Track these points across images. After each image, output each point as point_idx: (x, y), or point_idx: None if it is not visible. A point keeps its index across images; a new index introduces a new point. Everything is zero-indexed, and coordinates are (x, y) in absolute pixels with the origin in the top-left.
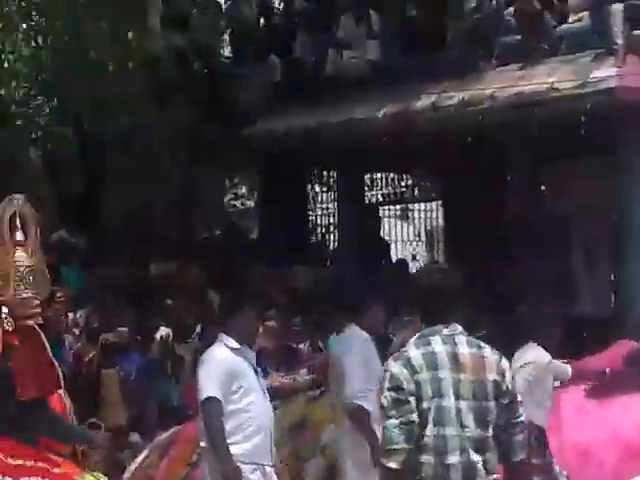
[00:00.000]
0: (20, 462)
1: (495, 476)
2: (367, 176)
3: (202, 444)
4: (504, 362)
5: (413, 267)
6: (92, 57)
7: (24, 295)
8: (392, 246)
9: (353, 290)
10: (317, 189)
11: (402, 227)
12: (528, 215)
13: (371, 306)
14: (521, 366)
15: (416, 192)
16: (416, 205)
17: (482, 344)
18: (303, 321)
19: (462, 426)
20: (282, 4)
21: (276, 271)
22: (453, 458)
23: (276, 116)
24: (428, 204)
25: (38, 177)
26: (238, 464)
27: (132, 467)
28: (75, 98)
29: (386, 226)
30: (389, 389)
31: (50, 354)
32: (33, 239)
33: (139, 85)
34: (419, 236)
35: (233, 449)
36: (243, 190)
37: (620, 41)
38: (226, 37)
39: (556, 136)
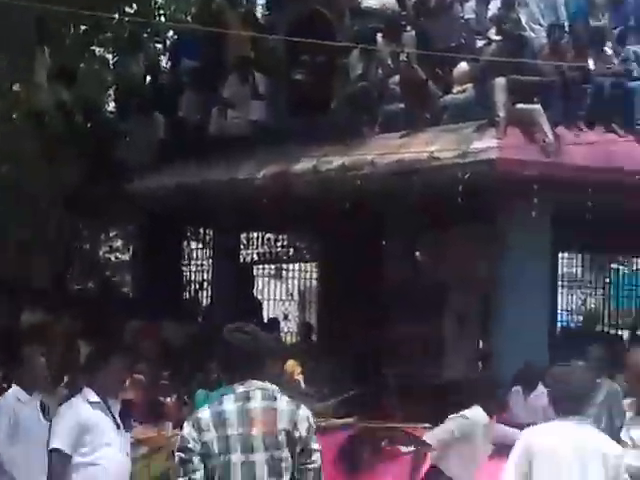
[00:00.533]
0: None
1: None
2: (243, 235)
3: None
4: (301, 412)
5: (284, 326)
6: None
7: None
8: (265, 304)
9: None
10: (193, 246)
11: (275, 286)
12: (403, 281)
13: None
14: (450, 418)
15: (291, 252)
16: (290, 265)
17: (279, 396)
18: (172, 375)
19: (255, 478)
20: (169, 62)
21: (148, 325)
22: None
23: (158, 173)
24: (303, 264)
25: None
26: None
27: None
28: None
29: (260, 284)
30: (178, 450)
31: None
32: None
33: (23, 138)
34: (292, 295)
35: None
36: (118, 243)
37: (502, 113)
38: (111, 92)
39: (435, 205)
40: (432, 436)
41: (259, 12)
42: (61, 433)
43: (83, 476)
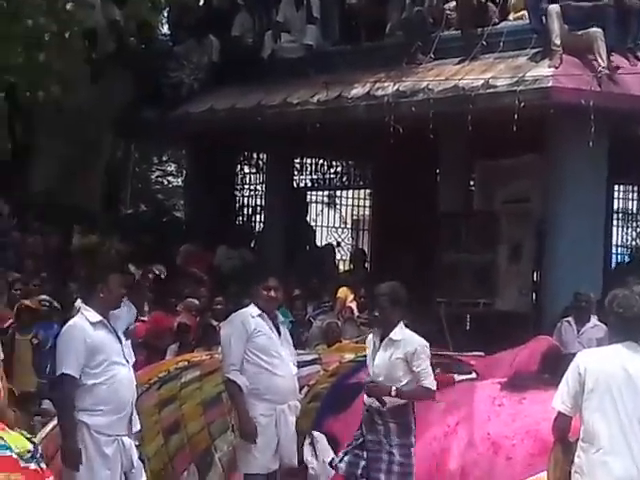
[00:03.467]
0: None
1: None
2: (297, 160)
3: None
4: None
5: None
6: (27, 25)
7: None
8: (317, 231)
9: (273, 271)
10: (246, 170)
11: (329, 213)
12: (456, 209)
13: (262, 284)
14: None
15: (344, 179)
16: (344, 192)
17: None
18: (224, 300)
19: None
20: None
21: (200, 250)
22: None
23: (211, 96)
24: (356, 192)
25: None
26: (95, 435)
27: (42, 434)
28: (8, 66)
29: (313, 211)
30: None
31: None
32: None
33: (74, 57)
34: (345, 223)
35: (90, 420)
36: (172, 167)
37: (557, 41)
38: (164, 14)
39: (489, 133)
40: None
41: None
42: (69, 357)
43: (95, 396)
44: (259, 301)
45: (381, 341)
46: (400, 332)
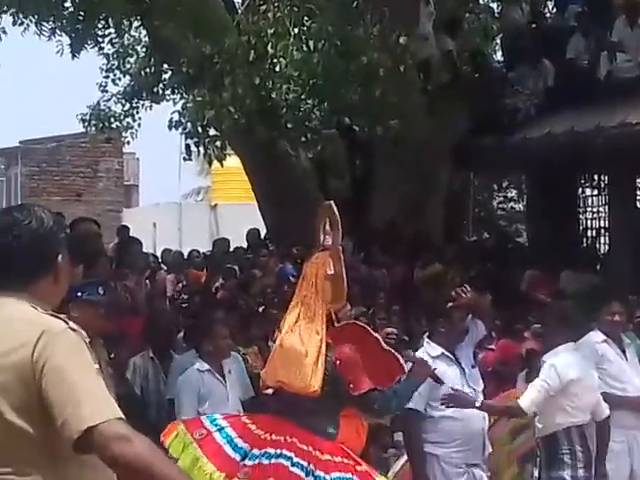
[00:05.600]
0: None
1: None
2: (639, 180)
3: None
4: None
5: None
6: (362, 62)
7: None
8: None
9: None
10: (588, 192)
11: None
12: None
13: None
14: None
15: None
16: None
17: None
18: None
19: None
20: (554, 8)
21: (545, 274)
22: None
23: (548, 119)
24: None
25: (308, 180)
26: (445, 467)
27: (396, 467)
28: (345, 103)
29: None
30: None
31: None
32: (337, 244)
33: (410, 90)
34: None
35: (440, 451)
36: (512, 194)
37: None
38: (497, 41)
39: None
40: None
41: None
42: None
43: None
44: (603, 326)
45: None
46: None
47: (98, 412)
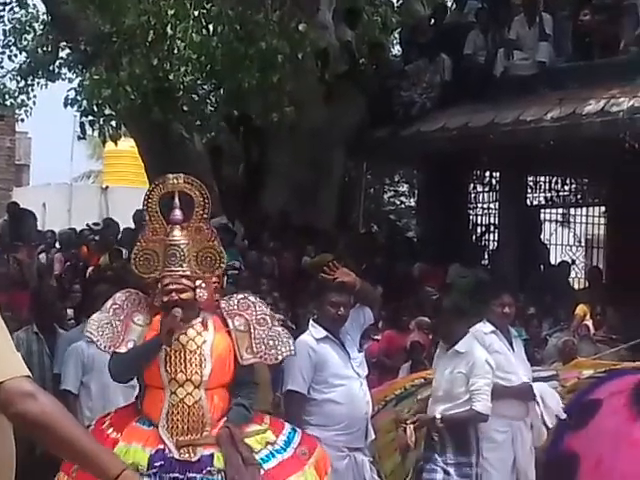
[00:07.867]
0: None
1: None
2: (530, 178)
3: None
4: None
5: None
6: (261, 48)
7: (170, 272)
8: (552, 249)
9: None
10: (479, 189)
11: (562, 231)
12: None
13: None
14: None
15: (579, 196)
16: (577, 210)
17: None
18: None
19: None
20: (454, 4)
21: (433, 268)
22: None
23: (442, 114)
24: (590, 209)
25: (201, 164)
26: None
27: None
28: (242, 88)
29: (546, 230)
30: None
31: None
32: (196, 219)
33: (307, 78)
34: (579, 241)
35: (322, 434)
36: (404, 188)
37: None
38: (396, 34)
39: None
40: None
41: None
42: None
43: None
44: (492, 317)
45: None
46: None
47: (2, 369)
